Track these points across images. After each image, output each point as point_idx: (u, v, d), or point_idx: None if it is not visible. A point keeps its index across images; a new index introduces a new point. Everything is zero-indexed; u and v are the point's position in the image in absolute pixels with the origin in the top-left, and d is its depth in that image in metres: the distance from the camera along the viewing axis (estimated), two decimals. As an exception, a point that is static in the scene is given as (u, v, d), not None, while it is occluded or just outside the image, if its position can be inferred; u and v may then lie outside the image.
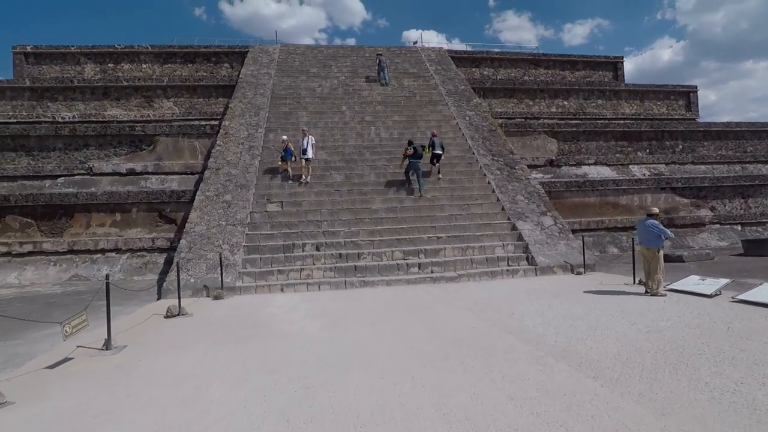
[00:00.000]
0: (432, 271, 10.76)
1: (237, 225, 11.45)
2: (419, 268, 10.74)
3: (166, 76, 21.65)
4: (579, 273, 10.91)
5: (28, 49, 21.59)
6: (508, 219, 12.63)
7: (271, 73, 19.83)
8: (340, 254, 10.85)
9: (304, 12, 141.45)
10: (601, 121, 21.73)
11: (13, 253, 14.01)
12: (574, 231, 14.53)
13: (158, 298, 9.58)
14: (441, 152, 13.94)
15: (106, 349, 5.52)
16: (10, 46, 21.71)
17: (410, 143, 13.53)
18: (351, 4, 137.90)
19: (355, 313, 7.33)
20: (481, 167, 14.72)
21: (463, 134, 16.47)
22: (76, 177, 16.42)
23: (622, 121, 22.06)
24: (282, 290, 9.83)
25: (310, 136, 13.52)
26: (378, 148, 15.29)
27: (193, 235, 11.09)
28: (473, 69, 24.91)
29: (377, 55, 21.26)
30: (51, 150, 17.06)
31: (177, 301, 9.11)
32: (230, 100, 17.94)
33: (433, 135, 14.32)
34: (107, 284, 5.62)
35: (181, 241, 10.98)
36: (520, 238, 11.99)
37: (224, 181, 12.94)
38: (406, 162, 13.39)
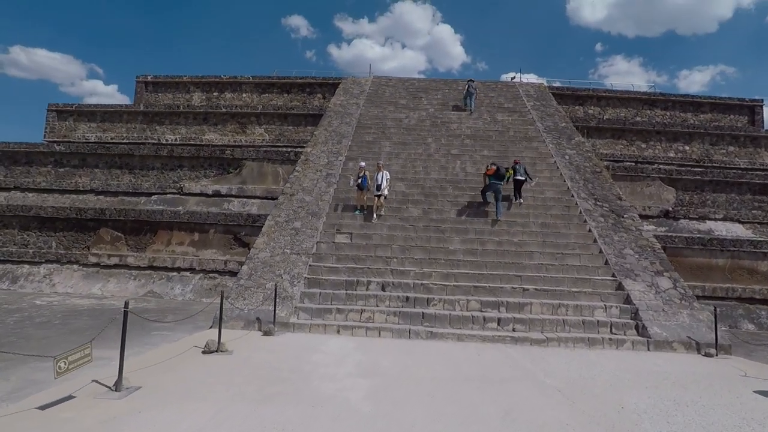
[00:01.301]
0: (514, 329, 9.01)
1: (302, 254, 10.72)
2: (498, 324, 9.06)
3: (263, 104, 22.55)
4: (708, 355, 8.45)
5: (149, 78, 23.90)
6: (613, 276, 10.48)
7: (360, 103, 19.67)
8: (408, 297, 9.56)
9: (405, 55, 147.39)
10: (734, 171, 18.38)
11: (102, 264, 14.66)
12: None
13: (211, 326, 8.97)
14: (523, 179, 13.03)
15: (115, 390, 4.75)
16: (135, 76, 24.24)
17: (493, 163, 12.75)
18: (451, 48, 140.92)
19: (413, 378, 5.94)
20: (580, 212, 12.71)
21: (561, 174, 14.59)
22: (168, 195, 17.17)
23: (761, 172, 18.48)
24: (338, 332, 8.74)
25: (385, 171, 12.52)
26: (462, 183, 13.98)
27: (256, 261, 10.54)
28: (576, 107, 22.89)
29: (468, 81, 20.33)
30: (150, 169, 18.14)
31: (226, 332, 8.43)
32: (314, 127, 17.90)
33: (516, 162, 13.37)
34: (125, 314, 4.90)
35: (242, 267, 10.47)
36: (627, 300, 9.80)
37: (296, 208, 12.44)
38: (488, 183, 12.51)
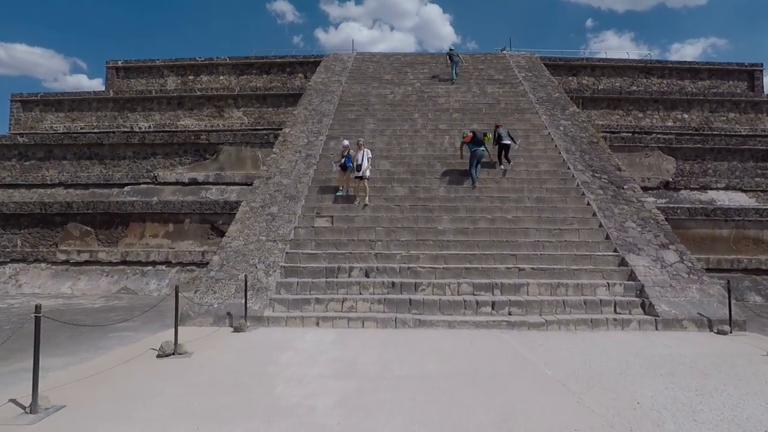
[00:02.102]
0: (510, 313, 8.25)
1: (278, 241, 9.87)
2: (493, 308, 8.29)
3: (241, 86, 21.41)
4: (722, 332, 7.74)
5: (120, 63, 22.61)
6: (615, 251, 9.72)
7: (342, 80, 18.61)
8: (393, 283, 8.75)
9: (394, 37, 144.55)
10: (736, 138, 17.59)
11: (71, 261, 13.75)
12: (705, 271, 11.09)
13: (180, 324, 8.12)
14: (509, 143, 12.46)
15: (30, 412, 3.91)
16: (104, 62, 22.95)
17: (471, 131, 12.32)
18: (441, 29, 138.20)
19: (396, 376, 5.15)
20: (578, 185, 11.90)
21: (556, 146, 13.73)
22: (142, 186, 16.19)
23: (764, 138, 17.70)
24: (317, 324, 7.94)
25: (366, 150, 11.36)
26: (451, 159, 13.09)
27: (228, 250, 9.67)
28: (570, 78, 21.91)
29: (449, 49, 19.40)
30: (122, 158, 17.12)
31: (192, 330, 7.63)
32: (295, 107, 16.89)
33: (497, 126, 12.91)
34: (37, 320, 4.03)
35: (213, 258, 9.61)
36: (631, 276, 9.05)
37: (273, 192, 11.53)
38: (467, 153, 12.04)
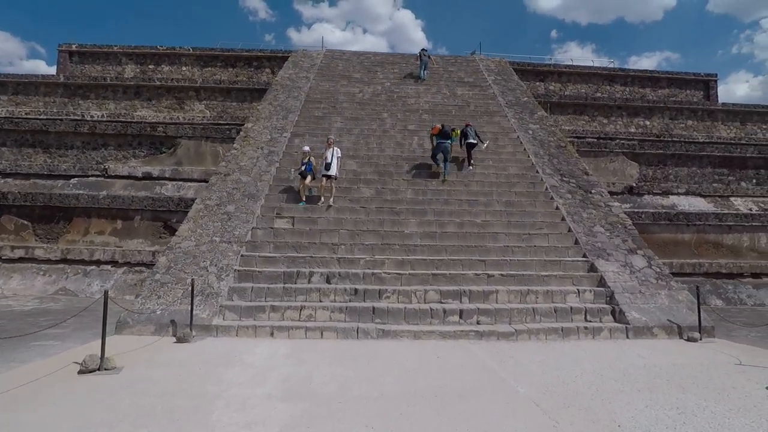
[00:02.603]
0: (478, 322, 7.86)
1: (233, 243, 9.14)
2: (460, 317, 7.87)
3: (204, 79, 20.36)
4: (692, 339, 7.61)
5: (73, 47, 21.11)
6: (584, 256, 9.52)
7: (310, 76, 17.93)
8: (356, 290, 8.21)
9: (367, 40, 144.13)
10: (695, 145, 18.02)
11: (3, 258, 12.51)
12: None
13: (115, 331, 7.32)
14: (475, 142, 12.55)
15: None
16: (56, 45, 21.39)
17: (441, 123, 12.41)
18: (412, 34, 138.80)
19: (352, 397, 4.61)
20: (546, 188, 11.71)
21: (524, 149, 13.55)
22: (90, 178, 15.00)
23: (721, 145, 18.21)
24: (272, 334, 7.29)
25: (335, 148, 10.88)
26: (419, 160, 12.68)
27: (177, 251, 8.88)
28: (537, 83, 22.00)
29: (421, 50, 19.14)
30: (69, 148, 15.88)
31: (129, 340, 6.86)
32: (260, 102, 16.10)
33: (467, 125, 12.94)
34: None
35: (159, 259, 8.80)
36: (601, 282, 8.86)
37: (231, 189, 10.78)
38: (434, 143, 11.97)
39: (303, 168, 10.75)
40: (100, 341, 6.05)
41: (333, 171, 10.57)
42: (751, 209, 16.11)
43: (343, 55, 21.37)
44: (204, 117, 18.59)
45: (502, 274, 8.85)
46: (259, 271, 8.53)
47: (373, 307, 7.82)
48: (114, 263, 12.67)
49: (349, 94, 16.72)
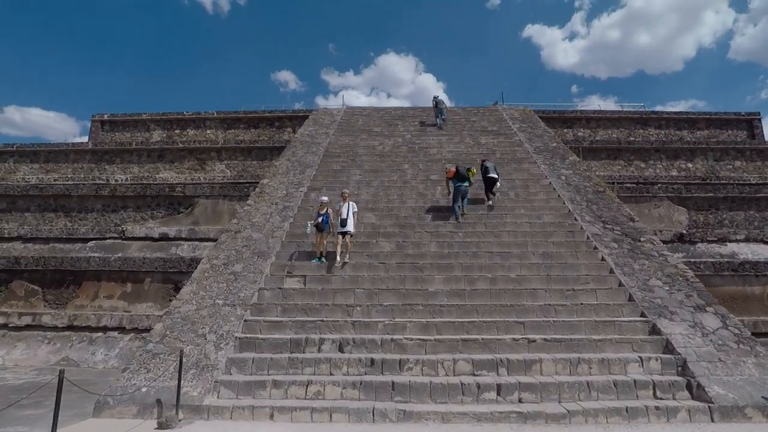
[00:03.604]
0: (520, 400, 6.47)
1: (237, 306, 8.21)
2: (498, 393, 6.51)
3: (226, 140, 20.56)
4: (797, 424, 5.96)
5: (105, 117, 21.97)
6: (642, 315, 8.08)
7: (330, 132, 17.71)
8: (373, 360, 7.01)
9: (391, 103, 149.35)
10: (749, 186, 16.44)
11: (10, 325, 11.94)
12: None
13: (93, 414, 6.32)
14: (497, 177, 11.97)
15: None
16: (90, 116, 22.31)
17: (455, 166, 11.89)
18: (435, 94, 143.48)
19: None
20: (588, 237, 10.45)
21: (558, 195, 12.44)
22: (108, 241, 14.66)
23: (780, 186, 16.55)
24: (272, 417, 6.13)
25: (351, 202, 10.08)
26: (444, 210, 11.73)
27: (175, 317, 8.00)
28: (565, 130, 21.19)
29: (434, 98, 18.84)
30: (89, 212, 15.80)
31: (109, 423, 5.85)
32: (278, 158, 15.80)
33: (484, 161, 12.61)
34: None
35: (155, 326, 7.92)
36: (667, 348, 7.36)
37: (240, 247, 10.03)
38: (452, 189, 11.51)
39: (320, 220, 9.90)
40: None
41: (349, 227, 9.65)
42: (825, 256, 14.16)
43: (364, 111, 21.32)
44: (225, 177, 18.45)
45: (545, 339, 7.49)
46: (263, 339, 7.49)
47: (393, 382, 6.58)
48: (121, 329, 11.90)
49: (368, 147, 16.27)
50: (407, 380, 6.63)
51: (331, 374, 6.91)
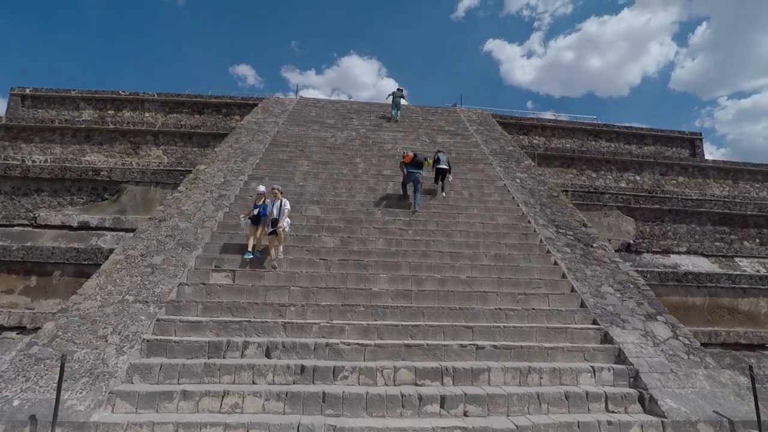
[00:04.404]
0: (465, 413, 5.81)
1: (150, 303, 7.09)
2: (442, 406, 5.82)
3: (164, 122, 18.95)
4: (748, 440, 5.67)
5: (27, 91, 19.70)
6: (594, 323, 7.70)
7: (279, 121, 16.64)
8: (303, 367, 6.13)
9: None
10: (692, 200, 16.92)
11: None
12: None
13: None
14: (447, 168, 12.00)
15: None
16: (9, 89, 19.97)
17: (413, 152, 11.82)
18: (388, 87, 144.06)
19: None
20: (541, 240, 10.08)
21: (513, 198, 12.07)
22: (16, 228, 12.86)
23: (720, 202, 17.16)
24: (175, 436, 5.12)
25: (284, 200, 8.82)
26: (395, 207, 11.04)
27: (73, 315, 6.77)
28: (521, 137, 21.14)
29: (396, 89, 18.33)
30: (-4, 194, 13.87)
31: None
32: (219, 145, 14.57)
33: (439, 152, 12.56)
34: None
35: (45, 325, 6.67)
36: (620, 358, 6.97)
37: (163, 237, 8.85)
38: (405, 173, 11.38)
39: (256, 212, 8.88)
40: None
41: (284, 226, 8.52)
42: (758, 270, 14.70)
43: (318, 102, 20.37)
44: (161, 163, 16.92)
45: (494, 346, 6.90)
46: (176, 341, 6.42)
47: (324, 393, 5.73)
48: (21, 329, 10.28)
49: (320, 138, 15.36)
50: (341, 390, 5.80)
51: (253, 383, 5.96)
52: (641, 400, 6.23)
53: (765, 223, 16.59)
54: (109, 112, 19.89)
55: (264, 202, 8.97)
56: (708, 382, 6.58)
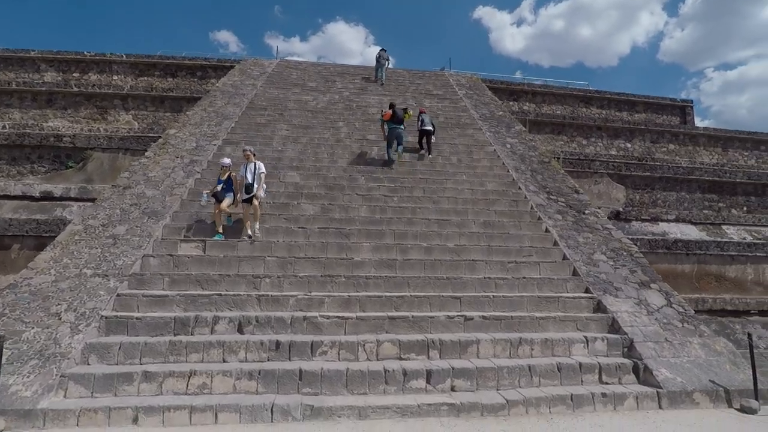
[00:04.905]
0: (453, 388, 5.45)
1: (110, 276, 6.49)
2: (428, 381, 5.44)
3: (134, 85, 17.81)
4: (748, 409, 5.44)
5: (-18, 52, 18.25)
6: (587, 291, 7.36)
7: (258, 84, 15.69)
8: (279, 343, 5.67)
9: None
10: (683, 168, 16.63)
11: None
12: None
13: None
14: (431, 129, 11.56)
15: None
16: (-40, 48, 18.45)
17: (391, 106, 11.53)
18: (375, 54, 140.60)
19: None
20: (532, 207, 9.65)
21: (503, 163, 11.57)
22: (-29, 198, 11.98)
23: (710, 169, 16.90)
24: (135, 421, 4.65)
25: (257, 163, 8.11)
26: (379, 173, 10.46)
27: (22, 290, 6.15)
28: (511, 102, 20.48)
29: (380, 50, 17.49)
30: (-53, 162, 12.87)
31: None
32: (192, 107, 13.66)
33: (422, 111, 12.00)
34: None
35: (-9, 301, 6.04)
36: (613, 327, 6.66)
37: (127, 205, 8.17)
38: (387, 131, 11.14)
39: (220, 187, 7.97)
40: None
41: (259, 192, 7.88)
42: (745, 238, 14.59)
43: (300, 65, 19.33)
44: (131, 129, 15.91)
45: (483, 317, 6.51)
46: (138, 318, 5.88)
47: (301, 370, 5.29)
48: (-22, 305, 9.64)
49: (300, 101, 14.53)
50: (319, 367, 5.36)
51: (224, 361, 5.49)
52: (636, 370, 5.94)
53: (753, 191, 16.45)
54: (74, 74, 18.59)
55: (228, 176, 8.15)
56: (703, 350, 6.32)
